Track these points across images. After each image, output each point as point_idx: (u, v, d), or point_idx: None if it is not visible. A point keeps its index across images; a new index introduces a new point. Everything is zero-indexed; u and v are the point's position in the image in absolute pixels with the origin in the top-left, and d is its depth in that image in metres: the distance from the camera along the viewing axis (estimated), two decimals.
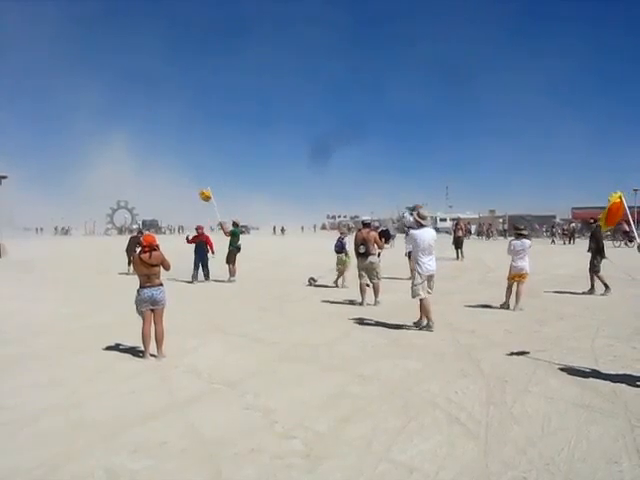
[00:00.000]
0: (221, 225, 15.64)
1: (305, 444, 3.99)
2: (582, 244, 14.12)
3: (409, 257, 14.99)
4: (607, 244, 12.66)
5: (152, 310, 6.57)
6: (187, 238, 15.34)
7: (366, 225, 11.09)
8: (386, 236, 12.52)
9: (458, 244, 22.58)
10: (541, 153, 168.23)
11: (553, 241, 40.17)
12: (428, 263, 7.98)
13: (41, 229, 77.69)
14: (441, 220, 66.73)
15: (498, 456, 3.73)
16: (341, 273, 13.48)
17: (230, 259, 14.89)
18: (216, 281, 14.81)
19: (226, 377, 5.71)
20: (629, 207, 7.15)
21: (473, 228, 54.05)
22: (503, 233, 50.17)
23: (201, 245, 14.75)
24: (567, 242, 38.65)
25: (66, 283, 15.32)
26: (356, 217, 70.60)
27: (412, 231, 8.20)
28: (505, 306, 9.92)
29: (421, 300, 7.98)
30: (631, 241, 28.86)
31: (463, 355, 6.55)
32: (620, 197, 6.87)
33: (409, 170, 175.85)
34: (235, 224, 15.58)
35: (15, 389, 5.42)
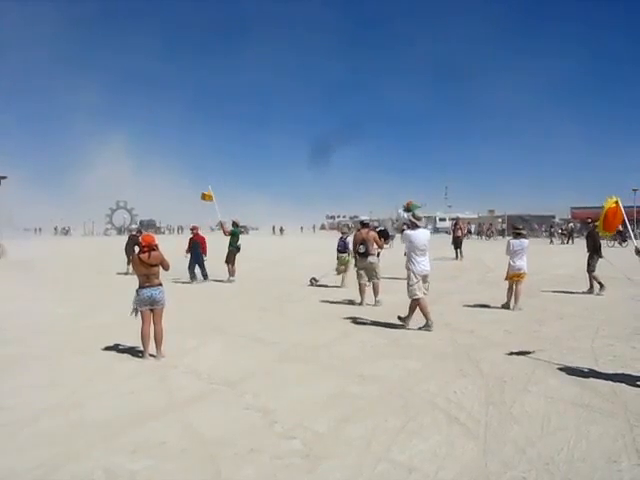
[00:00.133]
0: (221, 225, 15.62)
1: (305, 444, 3.99)
2: (581, 244, 14.13)
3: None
4: (602, 244, 12.65)
5: (151, 310, 6.57)
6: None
7: (365, 225, 11.10)
8: (384, 236, 12.53)
9: (457, 244, 22.58)
10: (540, 153, 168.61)
11: (551, 241, 40.22)
12: (422, 263, 8.06)
13: (40, 229, 77.60)
14: (440, 220, 66.75)
15: (497, 456, 3.73)
16: (340, 273, 13.48)
17: (229, 259, 14.87)
18: (216, 281, 14.80)
19: (226, 377, 5.71)
20: (628, 207, 7.05)
21: (473, 228, 54.10)
22: (502, 233, 50.20)
23: (196, 246, 14.70)
24: (565, 242, 38.71)
25: (66, 283, 15.33)
26: (355, 217, 70.56)
27: (407, 231, 8.28)
28: (506, 306, 9.92)
29: (418, 300, 8.01)
30: (625, 240, 28.79)
31: (462, 355, 6.55)
32: (616, 202, 6.54)
33: (408, 170, 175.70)
34: (235, 224, 15.57)
35: (15, 389, 5.42)
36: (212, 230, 51.52)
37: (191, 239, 15.04)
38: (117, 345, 7.12)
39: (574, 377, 5.53)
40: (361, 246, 10.42)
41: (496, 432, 4.15)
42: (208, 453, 3.87)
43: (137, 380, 5.69)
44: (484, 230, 51.68)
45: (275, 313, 9.89)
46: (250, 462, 3.71)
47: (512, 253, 9.97)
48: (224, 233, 15.22)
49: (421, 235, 8.13)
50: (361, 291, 10.51)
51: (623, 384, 5.25)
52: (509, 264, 10.05)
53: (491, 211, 68.72)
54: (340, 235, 13.85)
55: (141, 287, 6.55)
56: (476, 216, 65.80)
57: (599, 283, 11.75)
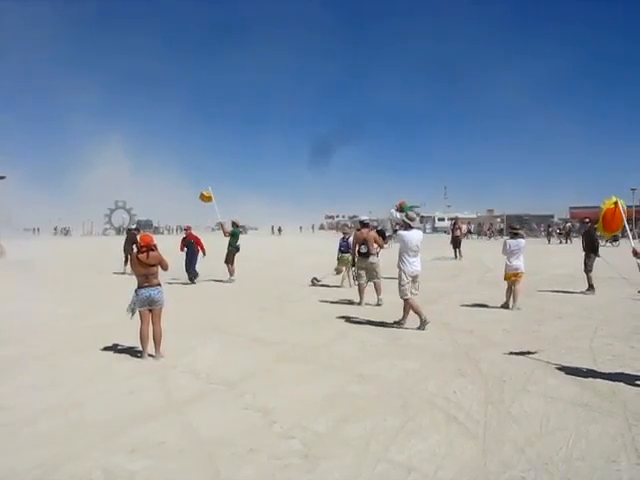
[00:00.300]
0: (221, 225, 15.58)
1: (304, 444, 3.99)
2: (579, 243, 14.14)
3: None
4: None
5: (150, 310, 6.57)
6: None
7: (365, 225, 11.08)
8: (382, 235, 12.54)
9: (456, 244, 22.60)
10: (539, 153, 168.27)
11: (549, 241, 40.25)
12: (414, 263, 8.14)
13: (38, 229, 77.48)
14: (439, 220, 66.78)
15: (497, 456, 3.73)
16: (339, 272, 13.48)
17: (229, 259, 14.86)
18: (215, 281, 14.79)
19: (225, 377, 5.70)
20: (627, 206, 6.87)
21: (472, 228, 54.12)
22: (500, 232, 50.25)
23: (190, 246, 14.60)
24: (563, 241, 38.76)
25: (65, 283, 15.31)
26: (354, 217, 70.51)
27: (400, 232, 8.35)
28: (505, 306, 9.93)
29: (408, 300, 8.12)
30: (616, 240, 28.71)
31: (461, 355, 6.55)
32: (616, 202, 6.28)
33: (407, 170, 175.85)
34: (235, 224, 15.56)
35: (14, 389, 5.41)
36: (213, 230, 51.53)
37: (184, 238, 14.93)
38: (116, 345, 7.12)
39: (573, 377, 5.53)
40: (362, 246, 10.42)
41: (495, 432, 4.16)
42: (207, 453, 3.87)
43: (136, 380, 5.68)
44: (484, 230, 51.73)
45: (274, 313, 9.89)
46: (249, 462, 3.71)
47: (509, 253, 9.99)
48: (224, 234, 15.18)
49: (415, 235, 8.20)
50: (360, 291, 10.52)
51: (622, 383, 5.26)
52: (506, 264, 10.07)
53: (490, 211, 68.78)
54: (342, 235, 13.81)
55: (140, 287, 6.54)
56: (475, 216, 65.83)
57: (590, 285, 11.82)
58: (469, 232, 50.78)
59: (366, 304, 10.35)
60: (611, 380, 5.37)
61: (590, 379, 5.44)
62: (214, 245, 15.58)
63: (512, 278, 9.94)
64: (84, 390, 5.36)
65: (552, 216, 58.08)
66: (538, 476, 3.44)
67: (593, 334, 7.56)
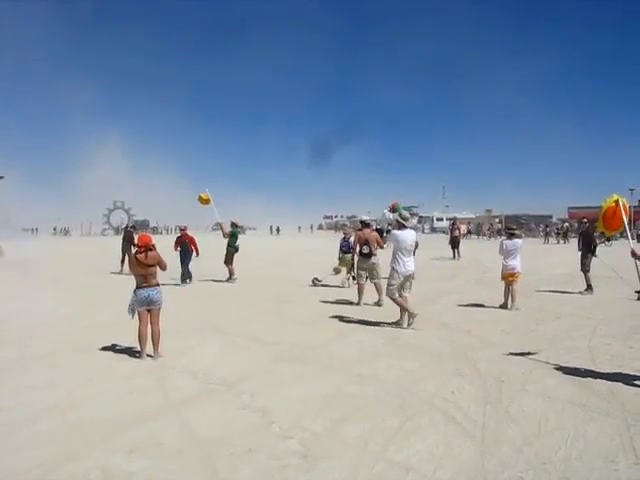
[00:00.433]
0: (220, 226, 15.54)
1: (302, 444, 3.99)
2: (576, 243, 14.19)
3: None
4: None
5: (148, 311, 6.56)
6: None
7: (366, 225, 11.06)
8: (380, 235, 12.53)
9: (455, 244, 22.63)
10: (538, 153, 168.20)
11: (547, 240, 40.31)
12: (408, 263, 8.21)
13: (36, 229, 77.33)
14: (438, 220, 66.83)
15: (495, 456, 3.74)
16: (338, 273, 13.48)
17: (228, 259, 14.85)
18: (214, 281, 14.79)
19: (223, 377, 5.70)
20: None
21: (472, 228, 54.17)
22: (499, 232, 50.30)
23: (185, 246, 14.46)
24: (560, 241, 38.82)
25: (64, 283, 15.28)
26: (353, 217, 70.52)
27: (394, 231, 8.43)
28: (504, 306, 9.94)
29: (395, 299, 8.25)
30: (609, 240, 28.68)
31: (460, 355, 6.55)
32: (616, 201, 6.19)
33: (406, 170, 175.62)
34: (234, 225, 15.54)
35: (14, 390, 5.41)
36: (213, 230, 51.46)
37: (179, 238, 14.81)
38: (115, 346, 7.11)
39: (571, 377, 5.54)
40: (365, 247, 10.40)
41: (493, 432, 4.16)
42: (205, 453, 3.87)
43: (135, 380, 5.68)
44: (483, 230, 51.80)
45: (273, 313, 9.89)
46: (248, 462, 3.71)
47: (505, 253, 10.02)
48: (223, 235, 15.13)
49: (409, 235, 8.30)
50: (360, 291, 10.52)
51: (620, 383, 5.27)
52: (502, 264, 10.11)
53: (488, 211, 68.89)
54: (343, 235, 13.78)
55: (138, 287, 6.54)
56: (473, 216, 65.91)
57: (588, 285, 11.82)
58: (469, 232, 50.84)
59: (365, 304, 10.35)
60: (609, 380, 5.37)
61: (588, 379, 5.44)
62: (213, 245, 15.55)
63: (509, 278, 9.97)
64: (83, 390, 5.36)
65: (551, 216, 58.22)
66: (536, 476, 3.44)
67: (592, 334, 7.57)
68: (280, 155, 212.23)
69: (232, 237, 14.90)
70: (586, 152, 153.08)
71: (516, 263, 9.97)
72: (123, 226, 29.55)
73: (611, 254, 16.62)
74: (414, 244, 8.41)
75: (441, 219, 65.80)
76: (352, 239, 13.00)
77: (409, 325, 8.14)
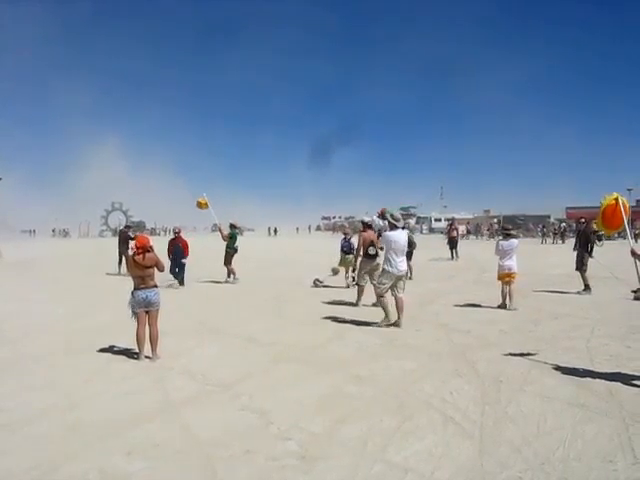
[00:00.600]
0: (219, 230, 15.49)
1: (300, 445, 3.99)
2: (572, 243, 14.23)
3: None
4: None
5: (146, 312, 6.55)
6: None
7: (369, 226, 11.00)
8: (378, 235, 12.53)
9: (453, 244, 22.64)
10: (536, 153, 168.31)
11: (544, 241, 40.35)
12: (400, 263, 8.29)
13: (33, 231, 77.17)
14: (436, 220, 66.83)
15: (493, 456, 3.74)
16: (336, 273, 13.46)
17: (228, 260, 14.83)
18: (213, 282, 14.78)
19: (221, 378, 5.69)
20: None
21: (471, 228, 54.21)
22: (497, 232, 50.38)
23: (178, 249, 14.25)
24: (557, 241, 38.88)
25: (62, 284, 15.28)
26: (351, 217, 70.55)
27: (386, 232, 8.52)
28: (502, 306, 9.95)
29: (382, 299, 8.39)
30: (600, 240, 28.70)
31: (458, 355, 6.55)
32: (616, 199, 6.06)
33: (403, 171, 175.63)
34: (232, 226, 15.53)
35: (12, 390, 5.40)
36: (212, 231, 51.43)
37: (172, 240, 14.62)
38: (113, 347, 7.10)
39: (570, 377, 5.54)
40: (371, 248, 10.36)
41: (492, 432, 4.16)
42: (204, 454, 3.86)
43: (133, 381, 5.67)
44: (482, 230, 51.87)
45: (272, 314, 9.88)
46: (246, 463, 3.71)
47: (501, 253, 10.04)
48: (223, 238, 15.08)
49: (401, 236, 8.39)
50: (360, 292, 10.50)
51: (619, 383, 5.27)
52: (499, 264, 10.13)
53: (487, 211, 68.88)
54: (343, 236, 13.75)
55: (136, 289, 6.53)
56: (472, 216, 65.89)
57: (586, 285, 11.84)
58: (468, 232, 50.87)
59: (363, 305, 10.34)
60: (608, 380, 5.37)
61: (587, 379, 5.45)
62: (212, 246, 15.53)
63: (505, 279, 9.99)
64: (81, 391, 5.35)
65: (549, 216, 58.18)
66: (535, 476, 3.44)
67: (590, 334, 7.57)
68: (278, 156, 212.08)
69: (231, 238, 14.89)
70: (584, 152, 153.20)
71: (512, 263, 9.99)
72: (120, 227, 29.52)
73: (605, 254, 16.63)
74: (406, 244, 8.50)
75: (439, 219, 65.75)
76: (353, 240, 13.02)
77: (379, 323, 8.39)
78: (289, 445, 4.00)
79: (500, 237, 10.72)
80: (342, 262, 13.36)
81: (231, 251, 14.79)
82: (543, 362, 6.12)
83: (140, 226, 69.63)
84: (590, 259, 12.19)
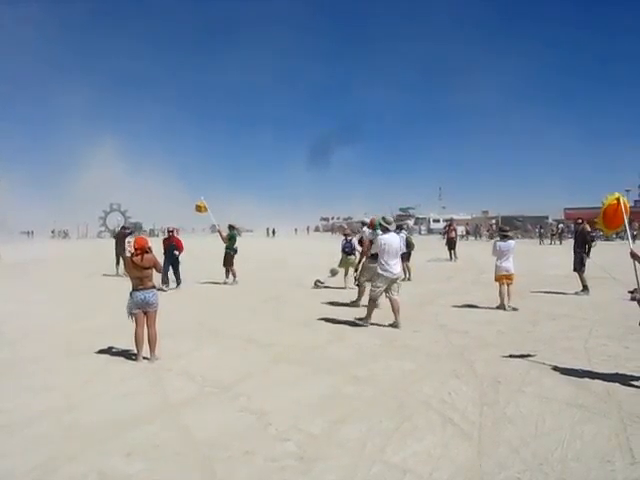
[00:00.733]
0: (219, 232, 15.48)
1: (299, 446, 3.99)
2: (570, 243, 14.24)
3: (402, 258, 15.07)
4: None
5: (145, 313, 6.55)
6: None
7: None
8: None
9: (451, 245, 22.66)
10: (534, 153, 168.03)
11: (541, 242, 40.39)
12: (394, 266, 8.36)
13: (31, 232, 77.06)
14: (434, 221, 66.86)
15: (492, 456, 3.74)
16: (334, 274, 13.45)
17: (228, 262, 14.81)
18: (212, 283, 14.79)
19: (220, 379, 5.70)
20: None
21: (471, 229, 54.24)
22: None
23: (171, 248, 13.99)
24: (555, 242, 38.93)
25: (61, 285, 15.27)
26: (349, 218, 70.59)
27: (379, 236, 8.60)
28: (501, 307, 9.96)
29: (372, 300, 8.50)
30: (593, 240, 28.70)
31: (457, 356, 6.56)
32: (618, 199, 6.08)
33: (401, 171, 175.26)
34: (231, 227, 15.54)
35: (10, 392, 5.41)
36: (212, 232, 51.43)
37: (166, 240, 14.42)
38: (111, 348, 7.10)
39: (568, 377, 5.55)
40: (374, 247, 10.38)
41: (490, 433, 4.17)
42: (203, 455, 3.87)
43: (131, 383, 5.67)
44: (481, 231, 51.93)
45: (271, 315, 9.88)
46: (245, 464, 3.71)
47: (499, 254, 10.06)
48: (223, 241, 15.08)
49: (394, 239, 8.48)
50: (361, 292, 10.50)
51: (617, 384, 5.28)
52: (496, 265, 10.16)
53: (485, 212, 68.87)
54: (344, 237, 13.73)
55: (134, 290, 6.53)
56: (470, 217, 65.91)
57: (584, 285, 11.85)
58: (467, 233, 50.90)
59: (363, 305, 10.33)
60: (606, 380, 5.39)
61: (585, 379, 5.46)
62: (211, 247, 15.52)
63: (503, 280, 10.01)
64: (80, 392, 5.35)
65: (547, 217, 58.25)
66: (533, 476, 3.45)
67: (588, 335, 7.59)
68: (276, 157, 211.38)
69: (231, 240, 14.90)
70: (582, 153, 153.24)
71: (509, 265, 10.02)
72: (118, 228, 29.54)
73: (602, 255, 16.63)
74: (400, 247, 8.60)
75: (437, 220, 65.75)
76: (354, 240, 13.03)
77: (358, 321, 8.57)
78: (288, 446, 4.01)
79: (497, 238, 10.73)
80: (343, 263, 13.33)
81: (231, 252, 14.79)
82: (541, 363, 6.13)
83: (137, 227, 69.61)
84: (587, 260, 12.21)
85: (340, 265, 13.44)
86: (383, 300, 8.88)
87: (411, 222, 68.27)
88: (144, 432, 4.31)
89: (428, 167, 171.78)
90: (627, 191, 51.34)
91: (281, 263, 22.90)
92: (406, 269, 14.95)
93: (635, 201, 55.55)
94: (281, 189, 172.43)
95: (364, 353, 6.81)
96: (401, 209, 78.50)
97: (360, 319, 8.63)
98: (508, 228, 11.08)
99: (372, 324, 8.53)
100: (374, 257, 10.39)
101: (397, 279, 8.50)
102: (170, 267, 13.94)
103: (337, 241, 14.00)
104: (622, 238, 36.18)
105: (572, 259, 12.41)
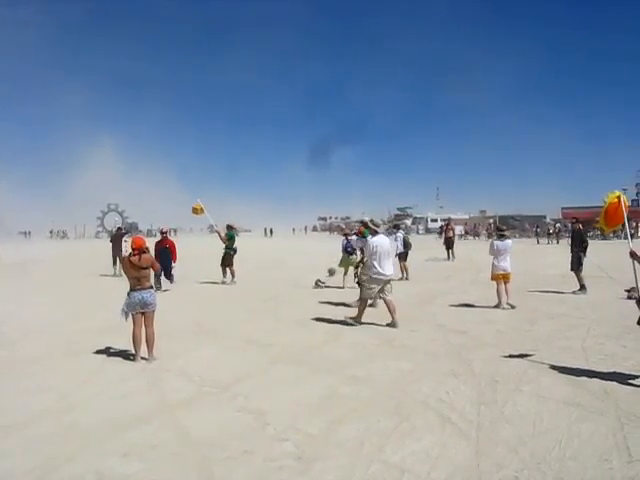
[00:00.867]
0: (218, 234, 15.47)
1: (297, 446, 3.99)
2: (567, 243, 14.29)
3: (400, 257, 15.10)
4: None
5: (142, 313, 6.54)
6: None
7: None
8: None
9: (449, 245, 22.68)
10: (532, 153, 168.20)
11: (537, 241, 40.45)
12: (386, 268, 8.42)
13: (29, 232, 76.93)
14: (432, 221, 66.97)
15: (490, 456, 3.75)
16: (332, 274, 13.45)
17: (227, 262, 14.78)
18: (211, 283, 14.78)
19: (218, 380, 5.69)
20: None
21: (469, 229, 54.33)
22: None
23: (164, 251, 13.45)
24: (552, 242, 39.01)
25: (59, 286, 15.28)
26: (347, 218, 70.58)
27: (371, 239, 8.62)
28: (500, 307, 9.98)
29: (364, 300, 8.57)
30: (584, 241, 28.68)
31: (455, 355, 6.57)
32: (618, 197, 6.19)
33: (399, 171, 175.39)
34: (230, 227, 15.53)
35: (8, 393, 5.41)
36: (210, 232, 51.44)
37: (158, 243, 13.87)
38: (109, 348, 7.09)
39: (566, 376, 5.56)
40: None
41: (488, 432, 4.17)
42: (200, 456, 3.86)
43: (129, 383, 5.67)
44: (478, 230, 52.00)
45: (269, 315, 9.88)
46: (243, 464, 3.71)
47: (496, 253, 10.09)
48: (222, 241, 15.06)
49: (384, 241, 8.57)
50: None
51: (614, 383, 5.29)
52: (493, 264, 10.19)
53: (482, 211, 68.99)
54: (344, 237, 13.70)
55: (132, 290, 6.53)
56: (468, 217, 66.00)
57: (581, 285, 11.87)
58: (466, 233, 50.96)
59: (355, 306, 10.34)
60: (603, 379, 5.40)
61: (583, 378, 5.47)
62: (210, 248, 15.51)
63: (500, 279, 10.03)
64: (78, 393, 5.35)
65: (544, 216, 58.34)
66: (531, 476, 3.45)
67: (585, 334, 7.60)
68: (273, 157, 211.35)
69: (230, 239, 14.89)
70: (580, 152, 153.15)
71: (507, 264, 10.06)
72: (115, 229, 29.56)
73: (597, 254, 16.65)
74: (390, 248, 8.67)
75: (435, 220, 65.87)
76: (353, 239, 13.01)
77: (349, 321, 8.58)
78: (286, 446, 4.01)
79: (495, 237, 10.76)
80: (343, 262, 13.31)
81: (231, 252, 14.79)
82: (539, 362, 6.14)
83: (132, 228, 69.52)
84: (585, 258, 12.22)
85: (341, 264, 13.42)
86: (379, 300, 8.90)
87: (409, 222, 68.59)
88: (142, 432, 4.31)
89: (426, 167, 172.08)
90: (624, 190, 51.41)
91: (280, 263, 22.89)
92: (403, 269, 14.98)
93: (632, 200, 55.70)
94: (279, 189, 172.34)
95: (362, 353, 6.82)
96: (399, 209, 78.64)
97: (352, 318, 8.64)
98: (505, 227, 11.11)
99: (370, 324, 8.54)
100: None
101: (390, 280, 8.55)
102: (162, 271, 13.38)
103: (335, 241, 14.00)
104: (619, 237, 36.30)
105: (569, 258, 12.44)
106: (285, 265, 21.91)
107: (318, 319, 9.18)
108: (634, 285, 5.82)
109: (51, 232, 77.21)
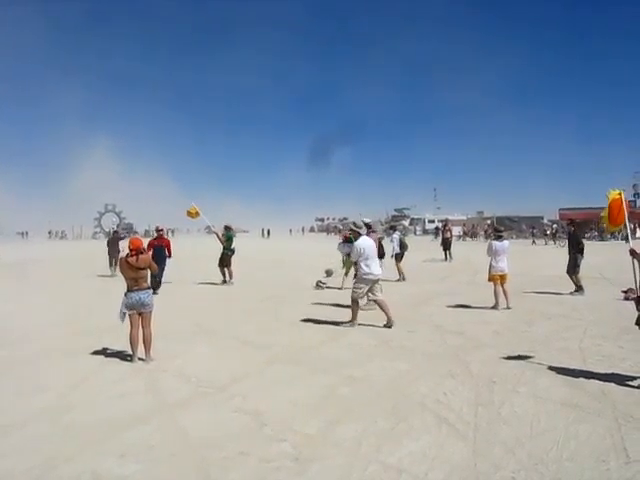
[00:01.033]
0: (216, 236, 15.45)
1: (294, 447, 3.98)
2: (565, 244, 14.31)
3: (396, 258, 15.11)
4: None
5: (140, 314, 6.53)
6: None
7: (369, 227, 10.94)
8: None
9: (446, 245, 22.71)
10: (530, 154, 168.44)
11: (534, 242, 40.51)
12: (373, 268, 8.48)
13: (26, 233, 76.80)
14: (429, 222, 67.07)
15: (487, 457, 3.74)
16: (329, 275, 13.44)
17: (226, 262, 14.77)
18: (209, 284, 14.76)
19: (215, 380, 5.68)
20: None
21: (468, 230, 54.38)
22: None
23: (159, 250, 13.18)
24: (548, 242, 39.08)
25: (57, 286, 15.26)
26: (344, 219, 70.47)
27: (355, 243, 8.72)
28: (497, 307, 9.98)
29: (356, 302, 8.59)
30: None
31: (452, 356, 6.57)
32: (620, 194, 6.27)
33: (397, 172, 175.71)
34: (227, 228, 15.53)
35: (7, 393, 5.40)
36: (207, 233, 51.45)
37: (152, 241, 13.62)
38: (106, 349, 7.08)
39: (563, 377, 5.56)
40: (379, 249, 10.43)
41: (485, 433, 4.17)
42: (197, 456, 3.86)
43: (126, 384, 5.65)
44: (476, 231, 52.05)
45: (267, 315, 9.87)
46: (239, 465, 3.70)
47: (494, 254, 10.10)
48: (221, 242, 15.05)
49: (368, 242, 8.65)
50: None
51: (611, 384, 5.29)
52: (491, 265, 10.20)
53: (480, 212, 69.05)
54: (344, 238, 13.66)
55: (129, 291, 6.51)
56: (465, 217, 66.08)
57: (578, 286, 11.90)
58: (465, 234, 51.00)
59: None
60: (601, 380, 5.40)
61: (580, 379, 5.47)
62: (209, 248, 15.50)
63: (498, 279, 10.04)
64: (74, 393, 5.33)
65: (542, 217, 58.41)
66: (528, 476, 3.45)
67: (583, 335, 7.61)
68: (270, 157, 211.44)
69: (228, 240, 14.90)
70: (577, 154, 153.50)
71: (504, 265, 10.09)
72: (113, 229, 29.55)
73: (593, 255, 16.68)
74: (376, 249, 8.79)
75: (432, 221, 65.98)
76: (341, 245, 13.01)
77: (346, 323, 8.58)
78: (283, 446, 4.00)
79: (492, 238, 10.78)
80: (345, 264, 13.20)
81: (229, 252, 14.78)
82: (536, 363, 6.14)
83: (129, 228, 69.48)
84: (582, 260, 12.24)
85: (344, 266, 13.35)
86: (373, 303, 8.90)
87: (406, 222, 68.64)
88: (139, 432, 4.30)
89: (423, 168, 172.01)
90: (622, 190, 51.49)
91: (278, 264, 22.90)
92: (399, 270, 14.98)
93: (630, 201, 55.75)
94: (276, 189, 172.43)
95: (360, 353, 6.81)
96: (396, 209, 78.68)
97: (347, 322, 8.63)
98: (503, 228, 11.13)
99: (367, 325, 8.54)
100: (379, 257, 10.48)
101: (378, 280, 8.59)
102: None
103: (333, 242, 13.98)
104: (617, 238, 36.38)
105: (567, 260, 12.45)
106: (283, 266, 21.91)
107: (316, 319, 9.17)
108: (633, 284, 5.82)
109: (50, 233, 77.14)
